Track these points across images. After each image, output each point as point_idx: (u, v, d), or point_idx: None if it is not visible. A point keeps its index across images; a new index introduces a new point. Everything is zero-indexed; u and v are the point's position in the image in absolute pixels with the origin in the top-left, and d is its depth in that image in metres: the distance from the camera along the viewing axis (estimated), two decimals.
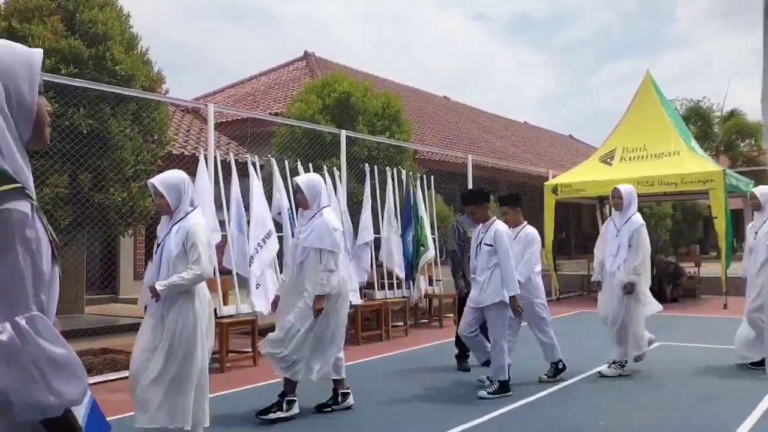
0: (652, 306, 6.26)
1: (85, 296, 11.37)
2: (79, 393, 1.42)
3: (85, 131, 6.23)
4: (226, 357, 6.85)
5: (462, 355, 6.67)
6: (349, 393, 5.17)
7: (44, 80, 5.08)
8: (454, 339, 6.72)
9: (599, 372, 6.16)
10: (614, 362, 6.17)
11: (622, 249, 6.09)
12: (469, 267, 5.89)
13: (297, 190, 5.06)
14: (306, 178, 5.10)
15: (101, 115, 6.36)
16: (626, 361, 6.19)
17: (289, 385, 4.86)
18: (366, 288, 9.28)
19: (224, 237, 7.61)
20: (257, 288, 7.60)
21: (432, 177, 10.73)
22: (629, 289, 5.99)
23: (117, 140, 6.51)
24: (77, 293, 10.80)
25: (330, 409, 5.05)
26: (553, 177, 14.60)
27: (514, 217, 6.08)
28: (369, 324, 9.34)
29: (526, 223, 6.18)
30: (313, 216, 4.94)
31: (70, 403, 1.40)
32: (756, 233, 6.31)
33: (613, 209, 6.39)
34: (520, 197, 6.31)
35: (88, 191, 6.36)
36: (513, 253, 5.52)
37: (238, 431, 4.66)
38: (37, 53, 1.53)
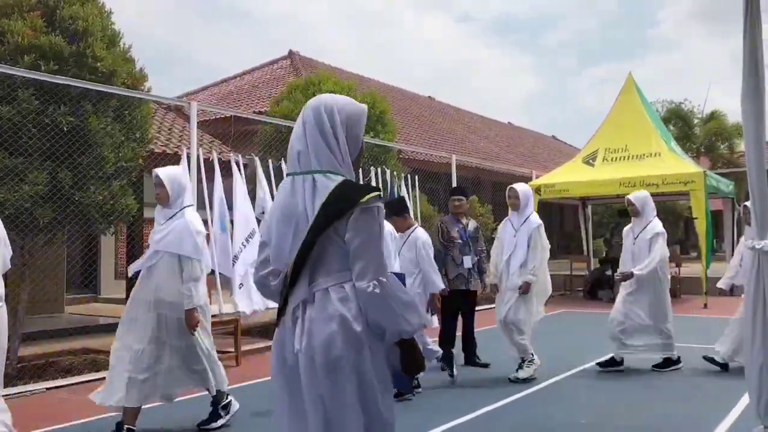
0: (539, 313, 6.31)
1: (65, 295, 11.24)
2: (421, 323, 2.23)
3: (65, 128, 6.14)
4: None
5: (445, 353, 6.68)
6: (230, 402, 4.79)
7: (24, 77, 4.98)
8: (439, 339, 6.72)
9: (510, 378, 5.99)
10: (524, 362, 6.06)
11: (520, 249, 6.09)
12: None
13: (157, 182, 4.47)
14: (169, 171, 4.54)
15: (82, 113, 6.27)
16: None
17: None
18: None
19: (207, 237, 7.56)
20: (240, 288, 7.56)
21: (416, 177, 10.74)
22: (525, 289, 6.00)
23: (98, 138, 6.42)
24: (57, 292, 10.67)
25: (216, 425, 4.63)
26: (537, 177, 14.69)
27: (402, 223, 5.92)
28: None
29: (416, 225, 6.15)
30: (173, 215, 4.46)
31: (418, 328, 2.20)
32: (635, 239, 6.37)
33: (510, 209, 6.39)
34: (404, 204, 6.36)
35: (68, 189, 6.27)
36: (406, 257, 5.80)
37: (220, 430, 4.63)
38: (366, 108, 2.41)
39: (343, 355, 2.07)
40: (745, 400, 4.78)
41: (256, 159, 8.49)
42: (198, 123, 8.28)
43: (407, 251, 5.84)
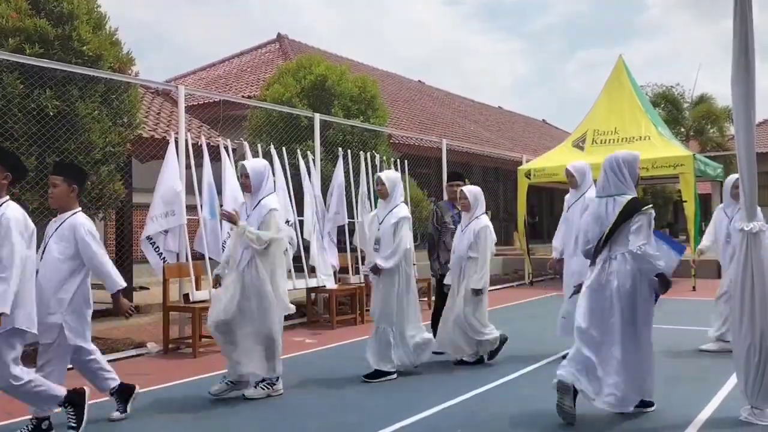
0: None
1: None
2: (673, 266, 4.40)
3: (51, 113, 6.07)
4: (199, 342, 6.80)
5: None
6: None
7: (8, 60, 4.92)
8: (431, 321, 6.76)
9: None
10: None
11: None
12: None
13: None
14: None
15: (68, 97, 6.20)
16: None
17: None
18: (341, 272, 9.28)
19: (196, 221, 7.53)
20: None
21: (406, 161, 10.72)
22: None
23: (85, 123, 6.35)
24: None
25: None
26: (527, 162, 14.70)
27: None
28: (344, 308, 9.34)
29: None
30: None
31: (663, 268, 4.25)
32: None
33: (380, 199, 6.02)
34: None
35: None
36: None
37: (210, 415, 4.64)
38: (638, 155, 4.61)
39: (634, 285, 4.19)
40: (732, 380, 4.84)
41: (245, 144, 8.44)
42: (186, 108, 8.20)
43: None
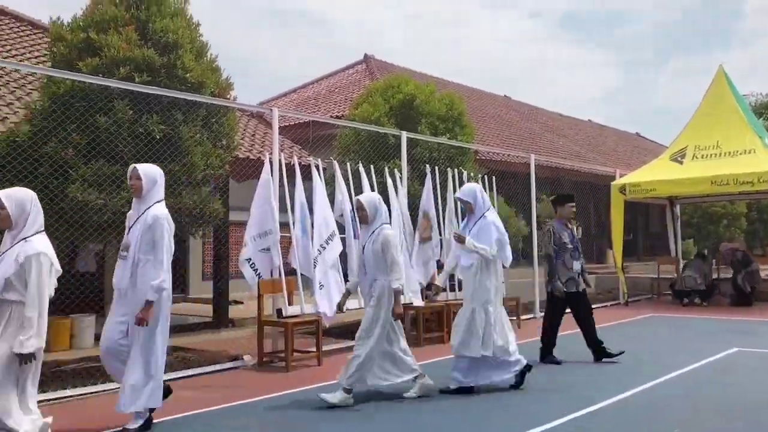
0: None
1: None
2: None
3: (158, 136, 6.47)
4: (292, 356, 6.98)
5: (547, 350, 7.08)
6: None
7: (119, 88, 5.31)
8: (544, 336, 7.14)
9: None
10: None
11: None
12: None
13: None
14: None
15: (173, 121, 6.59)
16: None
17: None
18: (428, 289, 9.26)
19: (289, 238, 7.77)
20: (321, 289, 7.71)
21: (494, 178, 10.61)
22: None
23: (188, 145, 6.72)
24: None
25: None
26: (621, 176, 14.18)
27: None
28: (430, 325, 9.31)
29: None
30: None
31: None
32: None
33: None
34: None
35: None
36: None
37: (303, 429, 4.74)
38: None
39: None
40: None
41: (335, 162, 8.64)
42: (278, 128, 8.52)
43: None
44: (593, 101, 73.44)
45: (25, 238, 3.86)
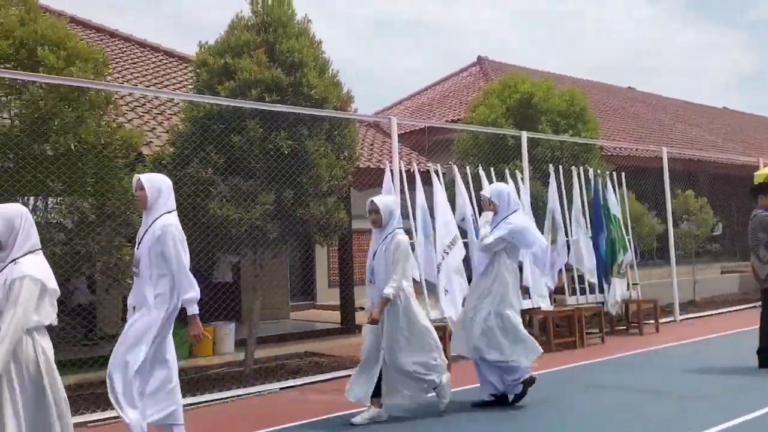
0: None
1: (290, 303, 12.37)
2: None
3: (286, 152, 6.78)
4: None
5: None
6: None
7: (251, 108, 5.48)
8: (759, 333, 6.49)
9: None
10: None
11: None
12: None
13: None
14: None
15: (299, 136, 6.88)
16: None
17: None
18: (556, 293, 8.99)
19: (411, 245, 7.84)
20: (446, 294, 7.71)
21: (623, 174, 10.11)
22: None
23: (313, 158, 6.99)
24: (283, 300, 11.77)
25: None
26: (765, 166, 13.00)
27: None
28: (560, 330, 9.02)
29: None
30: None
31: None
32: None
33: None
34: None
35: (290, 207, 6.90)
36: None
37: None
38: None
39: None
40: None
41: (455, 167, 8.62)
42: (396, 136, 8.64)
43: None
44: (726, 88, 67.96)
45: (15, 260, 3.36)
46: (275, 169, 6.81)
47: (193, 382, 6.92)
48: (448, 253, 7.79)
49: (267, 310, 10.24)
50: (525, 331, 5.57)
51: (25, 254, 3.38)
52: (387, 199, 5.29)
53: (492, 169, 8.83)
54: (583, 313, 8.68)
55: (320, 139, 7.10)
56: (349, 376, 7.10)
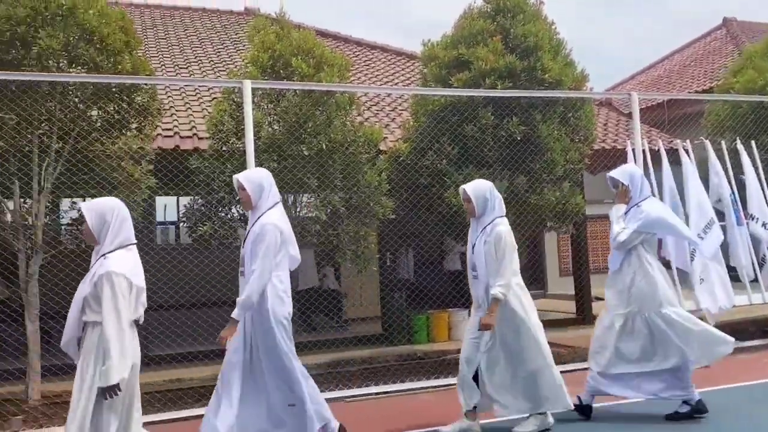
0: None
1: None
2: None
3: (518, 138, 6.70)
4: None
5: None
6: None
7: (483, 97, 5.40)
8: None
9: None
10: None
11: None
12: None
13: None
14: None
15: (531, 121, 6.76)
16: None
17: None
18: None
19: None
20: (701, 283, 6.98)
21: None
22: None
23: (546, 143, 6.82)
24: None
25: None
26: None
27: None
28: None
29: None
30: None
31: None
32: None
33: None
34: None
35: (523, 193, 6.81)
36: None
37: None
38: None
39: None
40: None
41: (707, 142, 7.75)
42: (629, 113, 8.04)
43: None
44: None
45: (104, 255, 3.39)
46: (508, 156, 6.76)
47: (435, 365, 7.22)
48: (702, 239, 7.03)
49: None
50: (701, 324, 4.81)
51: (115, 249, 3.39)
52: (480, 184, 4.71)
53: (753, 142, 7.78)
54: None
55: (553, 123, 6.91)
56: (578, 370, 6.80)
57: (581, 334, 9.01)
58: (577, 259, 10.37)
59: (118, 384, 3.22)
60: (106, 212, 3.44)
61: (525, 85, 6.73)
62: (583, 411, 4.90)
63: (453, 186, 6.75)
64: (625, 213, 4.87)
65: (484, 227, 4.54)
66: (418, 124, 7.28)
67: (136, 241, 3.54)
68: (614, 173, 4.99)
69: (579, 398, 4.91)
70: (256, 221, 4.02)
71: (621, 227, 4.78)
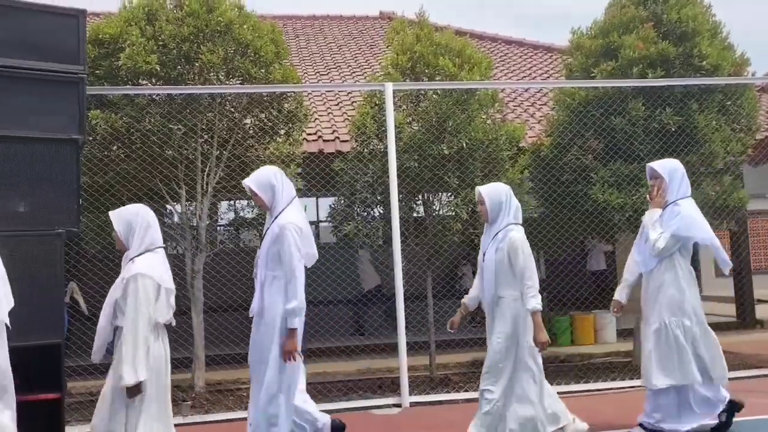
0: None
1: None
2: None
3: (672, 129, 6.32)
4: None
5: None
6: None
7: (631, 87, 5.15)
8: None
9: None
10: None
11: None
12: None
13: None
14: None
15: (686, 111, 6.36)
16: None
17: None
18: None
19: None
20: None
21: None
22: None
23: (704, 134, 6.38)
24: None
25: None
26: None
27: None
28: None
29: None
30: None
31: None
32: None
33: None
34: None
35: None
36: None
37: None
38: None
39: None
40: None
41: None
42: None
43: None
44: None
45: (131, 259, 3.51)
46: (661, 149, 6.37)
47: (577, 369, 6.98)
48: None
49: (635, 302, 9.68)
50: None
51: (142, 253, 3.49)
52: (496, 187, 4.29)
53: None
54: None
55: (711, 112, 6.43)
56: (757, 376, 6.24)
57: (743, 339, 8.35)
58: (738, 259, 9.58)
59: (137, 385, 3.35)
60: (132, 218, 3.57)
61: (679, 72, 6.32)
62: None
63: (599, 182, 6.48)
64: (660, 216, 4.35)
65: (496, 234, 4.17)
66: (561, 117, 7.07)
67: (163, 245, 3.66)
68: (654, 164, 4.50)
69: None
70: (273, 221, 3.88)
71: (658, 232, 4.27)
